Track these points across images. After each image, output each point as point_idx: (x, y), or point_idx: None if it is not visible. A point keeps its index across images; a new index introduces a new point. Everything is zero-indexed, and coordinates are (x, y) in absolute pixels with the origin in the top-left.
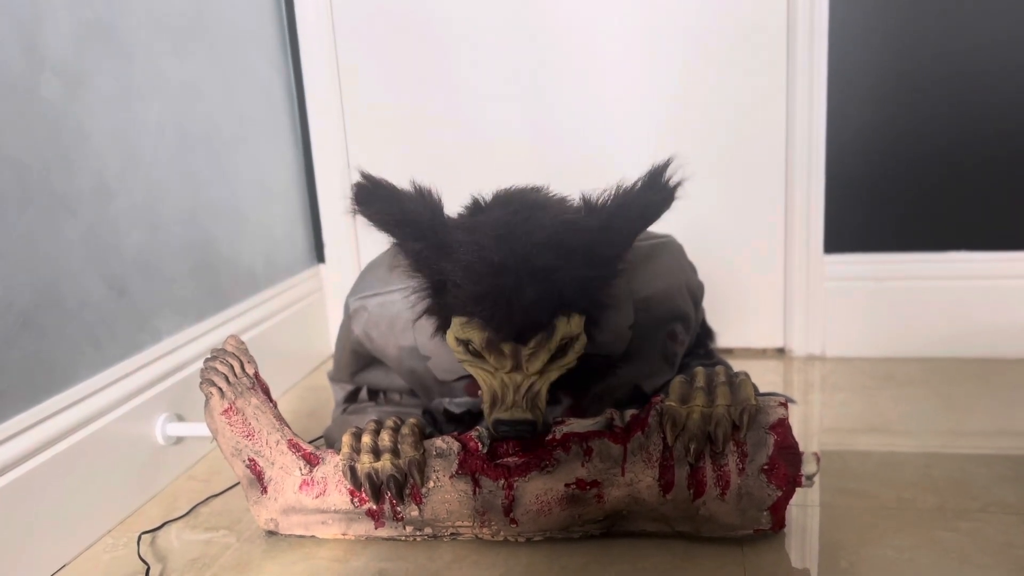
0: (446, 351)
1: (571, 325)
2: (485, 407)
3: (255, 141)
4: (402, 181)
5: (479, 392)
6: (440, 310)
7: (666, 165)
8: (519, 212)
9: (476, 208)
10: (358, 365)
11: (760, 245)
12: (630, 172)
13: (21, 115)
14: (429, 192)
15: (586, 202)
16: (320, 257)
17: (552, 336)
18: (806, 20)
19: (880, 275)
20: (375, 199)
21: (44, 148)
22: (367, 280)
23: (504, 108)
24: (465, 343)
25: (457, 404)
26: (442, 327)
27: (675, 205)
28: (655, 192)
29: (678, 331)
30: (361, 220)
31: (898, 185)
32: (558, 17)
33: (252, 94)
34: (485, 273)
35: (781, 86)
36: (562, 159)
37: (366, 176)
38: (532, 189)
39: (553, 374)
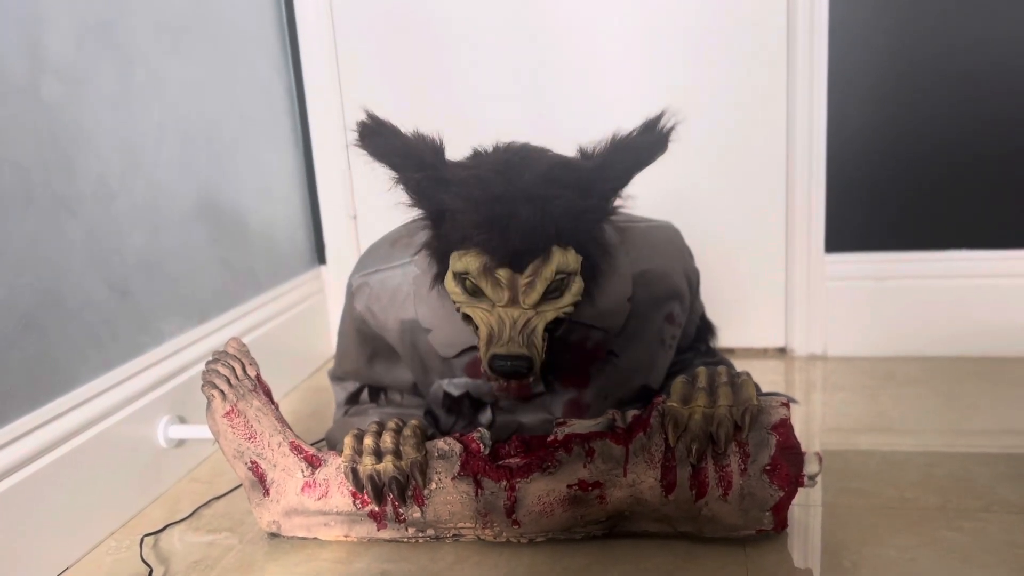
0: (447, 323)
1: (567, 258)
2: (482, 346)
3: (256, 142)
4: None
5: (479, 368)
6: (439, 243)
7: (660, 114)
8: (518, 153)
9: (476, 156)
10: (362, 349)
11: (761, 245)
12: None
13: (22, 117)
14: (431, 136)
15: (582, 150)
16: (321, 259)
17: (548, 263)
18: (806, 19)
19: (881, 274)
20: (378, 134)
21: (45, 150)
22: (369, 258)
23: (504, 108)
24: (463, 279)
25: (456, 385)
26: (440, 273)
27: (679, 205)
28: (649, 136)
29: (676, 312)
30: (361, 226)
31: (899, 184)
32: (558, 17)
33: (252, 95)
34: (483, 201)
35: (781, 85)
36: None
37: (370, 114)
38: (530, 143)
39: (549, 314)
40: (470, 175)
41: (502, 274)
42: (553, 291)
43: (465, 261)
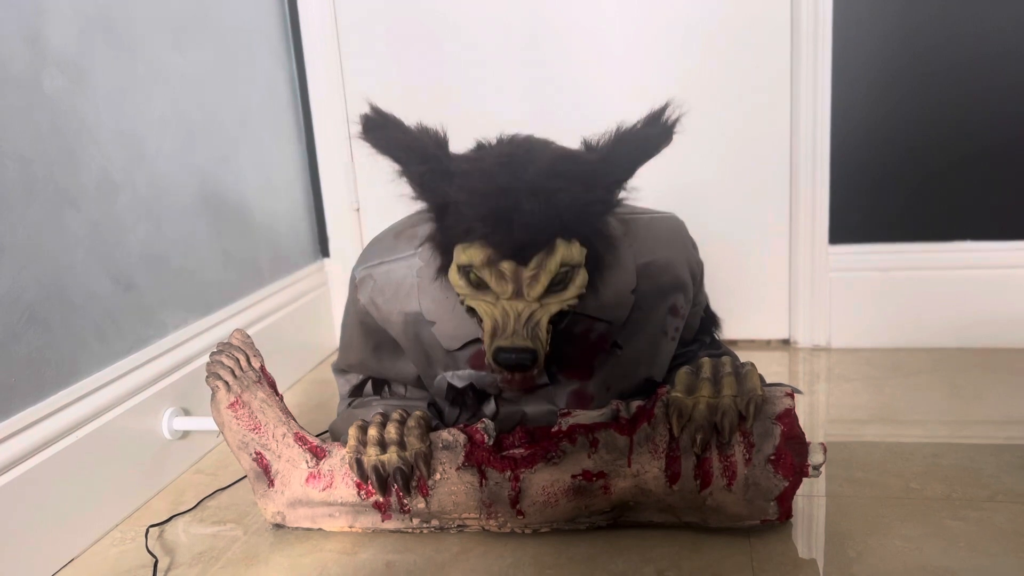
0: (451, 315)
1: (572, 251)
2: (486, 339)
3: (258, 135)
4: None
5: (483, 360)
6: (443, 236)
7: (665, 106)
8: (521, 146)
9: (480, 148)
10: (366, 341)
11: (765, 236)
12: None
13: (25, 110)
14: (435, 129)
15: (586, 143)
16: (324, 251)
17: (552, 256)
18: (810, 9)
19: (885, 265)
20: (381, 126)
21: (48, 143)
22: (373, 250)
23: (507, 99)
24: (467, 272)
25: (460, 377)
26: (444, 265)
27: (683, 196)
28: (654, 127)
29: (680, 303)
30: (365, 218)
31: (903, 175)
32: (561, 13)
33: (255, 88)
34: (487, 194)
35: (785, 77)
36: None
37: (374, 107)
38: (535, 136)
39: (553, 307)
40: (474, 167)
41: (506, 267)
42: (557, 284)
43: (469, 254)
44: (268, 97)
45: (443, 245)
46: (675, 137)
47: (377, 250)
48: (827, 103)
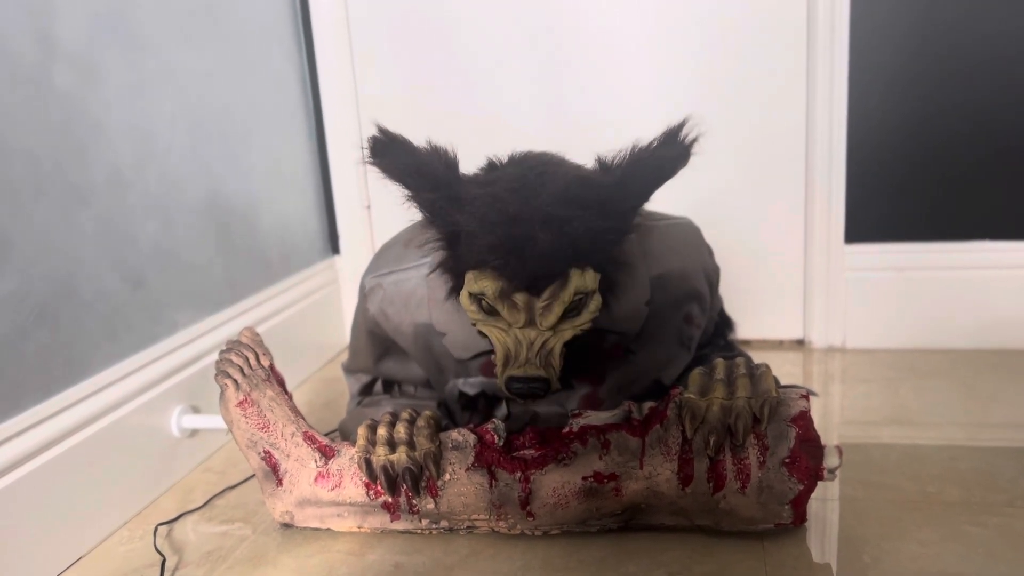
0: (461, 327)
1: (585, 279)
2: (498, 366)
3: (269, 131)
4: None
5: (494, 371)
6: (454, 263)
7: (682, 124)
8: (534, 168)
9: (491, 168)
10: (374, 349)
11: (780, 235)
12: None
13: (35, 106)
14: (445, 149)
15: (601, 162)
16: (335, 248)
17: (566, 287)
18: (827, 7)
19: (902, 265)
20: (390, 150)
21: (58, 139)
22: (382, 259)
23: (520, 99)
24: (479, 299)
25: (471, 384)
26: (455, 287)
27: (698, 195)
28: (670, 148)
29: (694, 313)
30: (375, 215)
31: (920, 174)
32: (575, 7)
33: (266, 84)
34: (499, 222)
35: (802, 75)
36: (579, 151)
37: (382, 129)
38: (547, 152)
39: (567, 333)
40: (485, 193)
41: (519, 298)
42: (571, 311)
43: (481, 283)
44: (279, 94)
45: (455, 271)
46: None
47: (386, 259)
48: (843, 101)
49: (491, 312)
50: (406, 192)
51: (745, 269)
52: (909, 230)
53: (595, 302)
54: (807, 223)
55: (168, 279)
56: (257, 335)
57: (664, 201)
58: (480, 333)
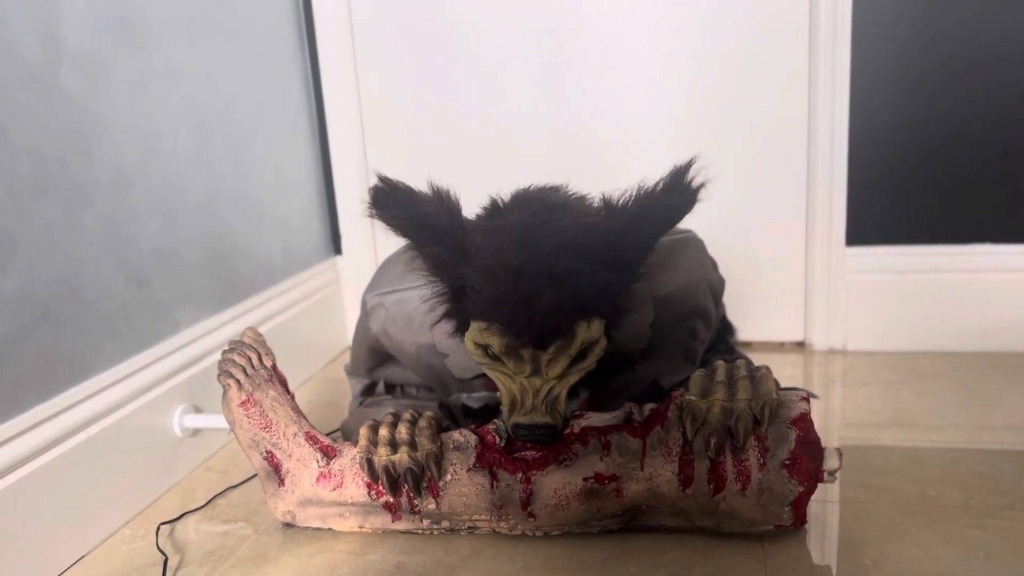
0: (464, 349)
1: (591, 330)
2: (504, 410)
3: (272, 132)
4: (420, 173)
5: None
6: (459, 314)
7: (688, 166)
8: (538, 215)
9: (494, 209)
10: (375, 361)
11: (781, 237)
12: (650, 167)
13: (39, 105)
14: (447, 194)
15: (606, 203)
16: (337, 248)
17: (572, 342)
18: (829, 9)
19: (903, 268)
20: (392, 203)
21: (62, 138)
22: (385, 276)
23: (522, 101)
24: (484, 347)
25: (475, 399)
26: (460, 329)
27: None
28: (677, 194)
29: (699, 328)
30: (379, 224)
31: (922, 177)
32: (577, 9)
33: (269, 84)
34: (504, 278)
35: (803, 77)
36: (581, 153)
37: (383, 179)
38: (551, 189)
39: (572, 378)
40: (490, 245)
41: (525, 352)
42: (576, 359)
43: (486, 337)
44: (282, 94)
45: (460, 320)
46: (699, 192)
47: (388, 277)
48: (845, 103)
49: (496, 359)
50: (409, 246)
51: (746, 271)
52: (910, 233)
53: (600, 346)
54: (808, 225)
55: (171, 278)
56: (260, 335)
57: None
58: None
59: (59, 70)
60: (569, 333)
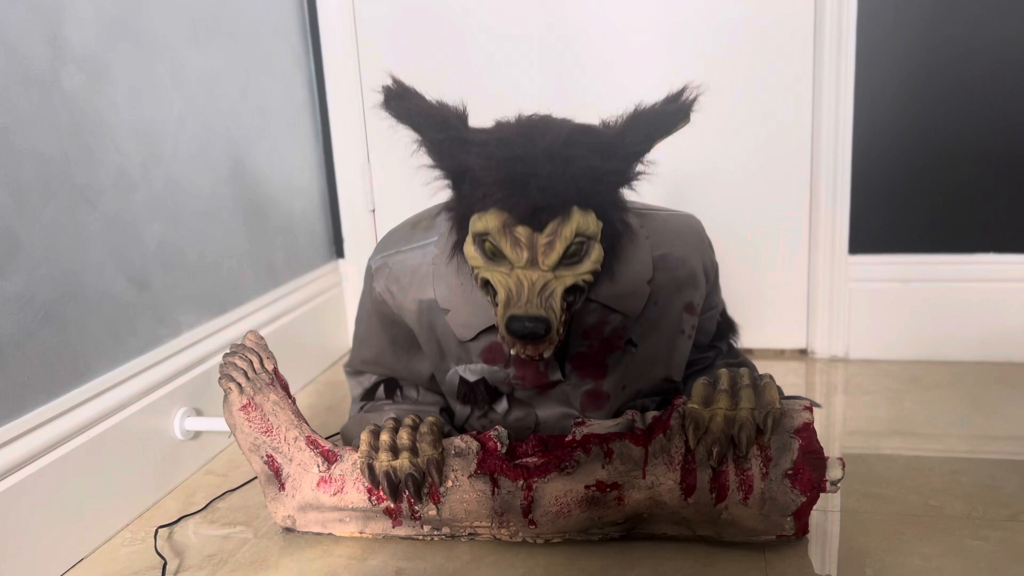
0: (464, 303)
1: (587, 221)
2: (500, 310)
3: (275, 135)
4: (426, 176)
5: (494, 360)
6: (459, 204)
7: (683, 88)
8: (541, 120)
9: (498, 123)
10: (382, 334)
11: (784, 245)
12: (655, 173)
13: (43, 107)
14: (455, 104)
15: (604, 122)
16: (339, 252)
17: (567, 223)
18: (834, 17)
19: (906, 276)
20: (403, 97)
21: (66, 140)
22: (389, 240)
23: (526, 102)
24: (482, 240)
25: (472, 371)
26: (459, 241)
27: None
28: (671, 104)
29: (695, 301)
30: (380, 219)
31: (925, 185)
32: (583, 10)
33: (273, 88)
34: (504, 159)
35: (807, 84)
36: None
37: (395, 79)
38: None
39: (568, 279)
40: (491, 137)
41: (521, 232)
42: (572, 255)
43: (485, 220)
44: (285, 97)
45: (460, 215)
46: (692, 116)
47: (393, 240)
48: (849, 110)
49: (494, 256)
50: (415, 135)
51: (749, 278)
52: (913, 241)
53: (596, 251)
54: (811, 233)
55: (173, 281)
56: (261, 339)
57: (667, 206)
58: (483, 286)
59: (62, 72)
60: (564, 213)
